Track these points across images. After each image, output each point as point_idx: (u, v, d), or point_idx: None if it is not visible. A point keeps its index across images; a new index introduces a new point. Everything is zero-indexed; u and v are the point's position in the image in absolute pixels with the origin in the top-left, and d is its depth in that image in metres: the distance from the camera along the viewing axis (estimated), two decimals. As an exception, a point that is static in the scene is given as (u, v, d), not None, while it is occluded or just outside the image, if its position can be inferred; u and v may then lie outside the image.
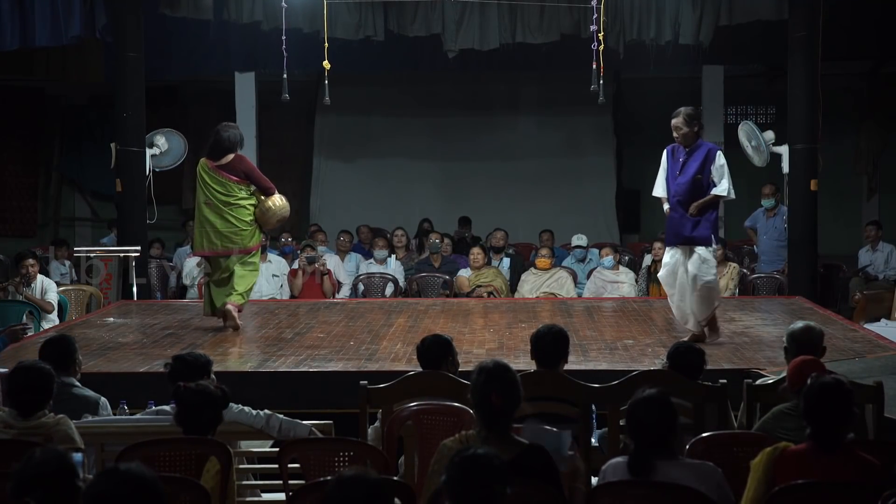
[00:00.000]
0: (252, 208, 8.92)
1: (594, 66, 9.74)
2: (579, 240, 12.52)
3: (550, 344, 5.66)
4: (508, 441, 4.07)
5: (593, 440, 5.68)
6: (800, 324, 5.78)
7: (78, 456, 5.08)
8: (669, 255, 8.28)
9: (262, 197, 8.92)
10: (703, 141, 8.12)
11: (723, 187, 8.01)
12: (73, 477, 3.33)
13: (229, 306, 8.90)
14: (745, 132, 11.55)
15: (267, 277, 11.76)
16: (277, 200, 8.93)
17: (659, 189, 8.27)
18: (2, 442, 4.69)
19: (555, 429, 4.38)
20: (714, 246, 8.16)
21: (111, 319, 9.76)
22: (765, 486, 4.14)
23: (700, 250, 8.10)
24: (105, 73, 14.13)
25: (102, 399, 5.81)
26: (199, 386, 4.76)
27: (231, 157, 8.87)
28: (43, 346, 5.88)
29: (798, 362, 5.08)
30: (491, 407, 4.09)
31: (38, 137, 16.73)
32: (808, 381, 4.36)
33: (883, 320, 10.24)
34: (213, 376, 5.37)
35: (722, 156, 8.05)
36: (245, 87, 14.89)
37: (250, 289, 9.14)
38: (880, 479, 4.09)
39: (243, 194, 8.89)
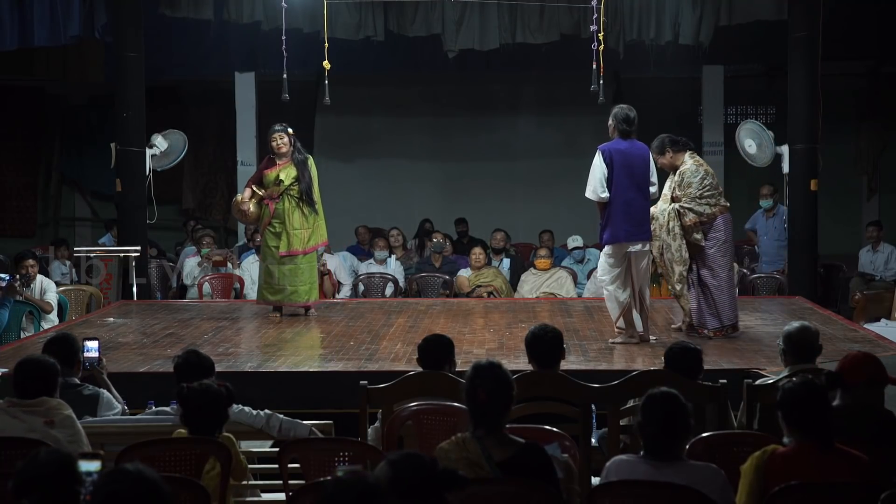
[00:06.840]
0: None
1: (594, 67, 9.74)
2: (574, 241, 12.51)
3: (548, 344, 5.69)
4: (504, 440, 4.06)
5: (593, 440, 5.68)
6: (795, 324, 5.76)
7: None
8: None
9: None
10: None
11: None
12: (73, 482, 3.30)
13: None
14: (746, 132, 11.51)
15: (267, 277, 11.77)
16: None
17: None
18: (7, 440, 4.69)
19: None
20: (606, 248, 8.19)
21: (111, 319, 9.75)
22: (756, 489, 4.13)
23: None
24: (105, 73, 14.13)
25: (104, 393, 5.80)
26: (202, 385, 4.73)
27: None
28: (47, 343, 5.88)
29: (855, 358, 4.92)
30: (478, 403, 4.08)
31: (38, 137, 16.71)
32: (783, 386, 4.34)
33: (883, 320, 10.23)
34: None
35: (597, 156, 8.20)
36: (245, 87, 14.89)
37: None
38: (873, 475, 4.09)
39: None
